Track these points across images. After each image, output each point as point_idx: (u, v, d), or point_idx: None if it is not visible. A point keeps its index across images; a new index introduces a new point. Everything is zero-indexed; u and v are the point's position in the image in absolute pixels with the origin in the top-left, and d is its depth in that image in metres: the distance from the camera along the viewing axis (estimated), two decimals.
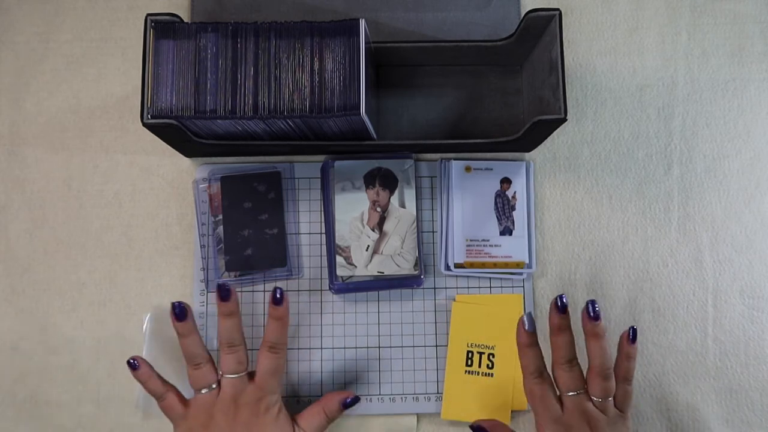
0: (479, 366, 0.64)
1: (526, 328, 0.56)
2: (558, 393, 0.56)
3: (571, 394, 0.55)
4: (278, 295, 0.58)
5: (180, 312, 0.57)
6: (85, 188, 0.67)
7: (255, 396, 0.57)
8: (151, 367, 0.58)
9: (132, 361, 0.57)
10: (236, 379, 0.57)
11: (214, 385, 0.57)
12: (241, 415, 0.56)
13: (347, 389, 0.64)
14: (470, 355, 0.64)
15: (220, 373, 0.58)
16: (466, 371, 0.64)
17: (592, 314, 0.56)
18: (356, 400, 0.60)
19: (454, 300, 0.65)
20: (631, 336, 0.57)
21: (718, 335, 0.66)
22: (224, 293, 0.58)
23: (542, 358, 0.56)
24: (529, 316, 0.57)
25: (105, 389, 0.65)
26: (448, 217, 0.66)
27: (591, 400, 0.55)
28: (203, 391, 0.57)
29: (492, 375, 0.64)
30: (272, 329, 0.58)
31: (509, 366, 0.64)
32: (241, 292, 0.65)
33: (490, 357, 0.64)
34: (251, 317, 0.65)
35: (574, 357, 0.56)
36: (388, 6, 0.69)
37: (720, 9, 0.70)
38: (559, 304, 0.56)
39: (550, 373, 0.57)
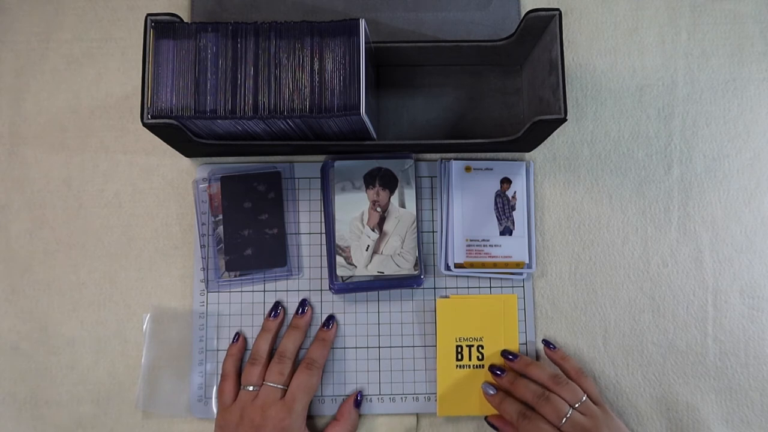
0: (469, 359, 0.64)
1: (491, 393, 0.62)
2: (553, 424, 0.58)
3: (564, 420, 0.57)
4: (331, 322, 0.64)
5: (276, 311, 0.64)
6: (85, 188, 0.67)
7: (280, 414, 0.59)
8: (243, 350, 0.64)
9: (237, 333, 0.64)
10: (272, 389, 0.60)
11: (256, 387, 0.60)
12: (263, 429, 0.58)
13: (347, 389, 0.64)
14: (459, 349, 0.64)
15: (263, 379, 0.61)
16: (457, 366, 0.64)
17: (510, 357, 0.63)
18: (361, 395, 0.64)
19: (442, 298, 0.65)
20: (549, 347, 0.64)
21: (718, 335, 0.66)
22: (302, 308, 0.64)
23: (517, 402, 0.60)
24: (487, 384, 0.62)
25: (105, 389, 0.65)
26: (448, 217, 0.66)
27: (578, 412, 0.58)
28: (248, 388, 0.60)
29: (483, 366, 0.64)
30: (315, 347, 0.63)
31: (499, 356, 0.64)
32: (241, 292, 0.66)
33: (479, 349, 0.64)
34: (251, 317, 0.65)
35: (542, 390, 0.59)
36: (388, 6, 0.69)
37: (720, 9, 0.70)
38: (492, 372, 0.63)
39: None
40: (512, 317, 0.65)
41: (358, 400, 0.63)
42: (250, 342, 0.65)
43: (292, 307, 0.65)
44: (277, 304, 0.65)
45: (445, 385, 0.64)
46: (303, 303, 0.65)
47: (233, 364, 0.63)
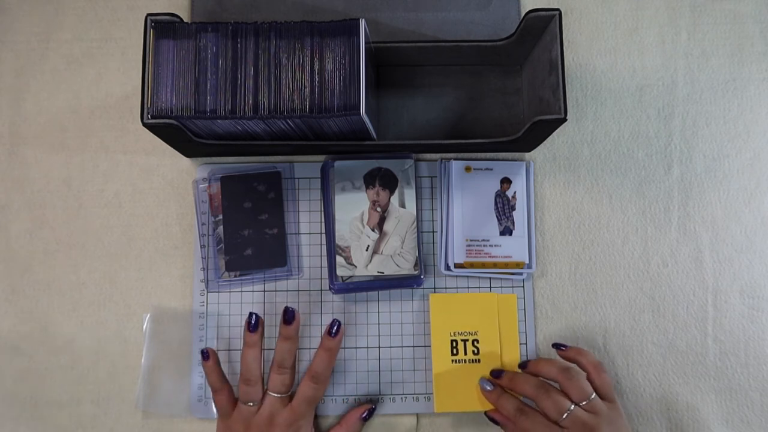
0: (465, 353, 0.64)
1: (488, 389, 0.62)
2: (553, 419, 0.57)
3: (564, 416, 0.56)
4: (335, 328, 0.61)
5: (254, 323, 0.60)
6: (85, 188, 0.67)
7: (289, 419, 0.59)
8: (218, 361, 0.61)
9: (204, 351, 0.61)
10: (277, 399, 0.59)
11: (257, 403, 0.59)
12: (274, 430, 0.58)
13: (347, 389, 0.64)
14: (454, 344, 0.64)
15: (265, 389, 0.60)
16: (452, 361, 0.64)
17: (525, 366, 0.62)
18: (373, 411, 0.63)
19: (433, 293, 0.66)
20: (561, 348, 0.63)
21: (718, 335, 0.66)
22: (289, 317, 0.60)
23: (514, 398, 0.60)
24: (484, 380, 0.62)
25: (105, 389, 0.65)
26: (448, 217, 0.66)
27: (582, 409, 0.57)
28: (249, 404, 0.59)
29: (479, 361, 0.64)
30: (320, 359, 0.60)
31: (494, 349, 0.64)
32: (241, 292, 0.66)
33: (475, 343, 0.64)
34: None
35: (543, 384, 0.59)
36: (388, 6, 0.69)
37: (720, 9, 0.70)
38: (492, 375, 0.63)
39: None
40: (512, 317, 0.65)
41: (365, 416, 0.62)
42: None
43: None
44: (252, 315, 0.60)
45: (441, 380, 0.63)
46: (289, 312, 0.60)
47: (218, 377, 0.60)
